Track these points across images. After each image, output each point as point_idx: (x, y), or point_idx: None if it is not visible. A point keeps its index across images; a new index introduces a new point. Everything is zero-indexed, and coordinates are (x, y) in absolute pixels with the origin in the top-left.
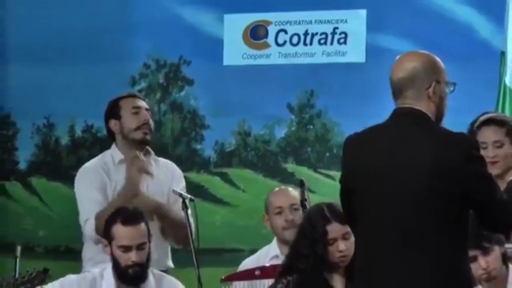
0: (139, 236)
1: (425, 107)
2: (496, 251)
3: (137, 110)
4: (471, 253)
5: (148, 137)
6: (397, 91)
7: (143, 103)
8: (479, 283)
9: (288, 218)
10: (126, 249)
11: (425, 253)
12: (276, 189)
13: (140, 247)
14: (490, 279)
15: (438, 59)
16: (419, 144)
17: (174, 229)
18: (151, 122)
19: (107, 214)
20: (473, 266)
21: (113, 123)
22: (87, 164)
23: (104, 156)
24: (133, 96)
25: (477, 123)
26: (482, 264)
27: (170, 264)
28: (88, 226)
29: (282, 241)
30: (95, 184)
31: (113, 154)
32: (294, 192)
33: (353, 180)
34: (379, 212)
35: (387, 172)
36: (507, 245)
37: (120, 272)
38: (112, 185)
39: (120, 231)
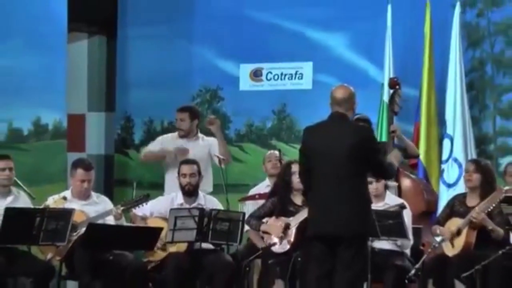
0: (191, 170)
1: (348, 113)
2: (382, 181)
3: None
4: (370, 179)
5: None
6: (337, 103)
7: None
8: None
9: (273, 162)
10: (184, 175)
11: (348, 186)
12: (268, 152)
13: (191, 176)
14: (377, 196)
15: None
16: (345, 132)
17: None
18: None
19: (150, 153)
20: (369, 186)
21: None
22: (162, 136)
23: (170, 134)
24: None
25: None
26: (374, 186)
27: (210, 189)
28: (142, 155)
29: (270, 175)
30: (159, 142)
31: (173, 134)
32: (276, 154)
33: (309, 152)
34: (324, 168)
35: (328, 147)
36: (389, 182)
37: (182, 189)
38: (165, 145)
39: (182, 166)
